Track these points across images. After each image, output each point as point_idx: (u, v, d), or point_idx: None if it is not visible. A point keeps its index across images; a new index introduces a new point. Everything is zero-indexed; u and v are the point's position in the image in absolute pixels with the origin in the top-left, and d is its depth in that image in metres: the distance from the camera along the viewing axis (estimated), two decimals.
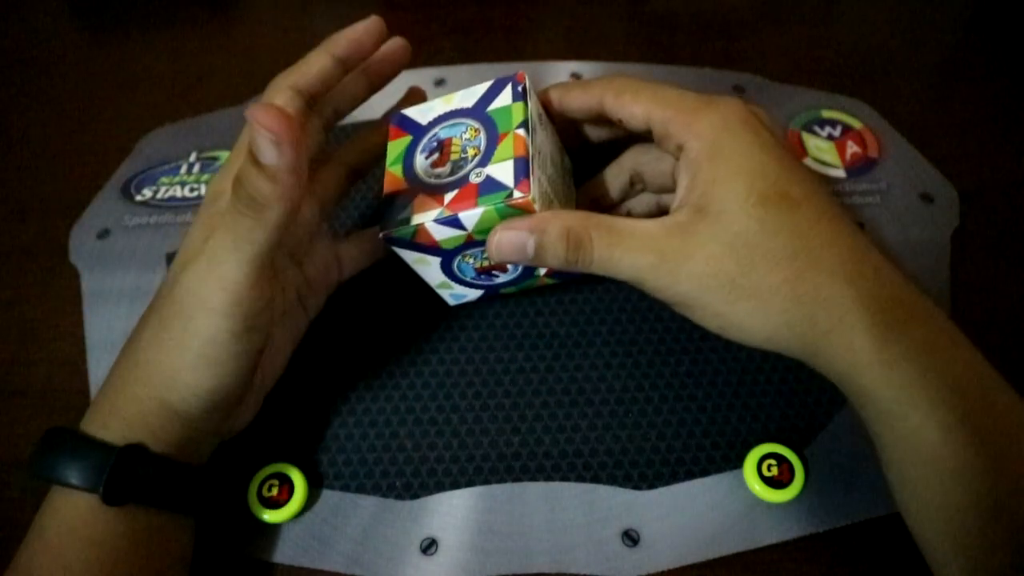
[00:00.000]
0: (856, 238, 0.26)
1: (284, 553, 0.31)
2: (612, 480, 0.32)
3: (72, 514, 0.25)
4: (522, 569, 0.30)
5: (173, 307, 0.26)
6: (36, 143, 0.48)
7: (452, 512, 0.31)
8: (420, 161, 0.29)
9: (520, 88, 0.29)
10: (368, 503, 0.32)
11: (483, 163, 0.28)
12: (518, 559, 0.30)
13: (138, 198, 0.43)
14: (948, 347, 0.25)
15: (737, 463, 0.32)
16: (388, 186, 0.29)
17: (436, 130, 0.30)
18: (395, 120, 0.31)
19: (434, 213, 0.27)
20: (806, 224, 0.25)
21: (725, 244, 0.25)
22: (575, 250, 0.26)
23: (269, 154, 0.22)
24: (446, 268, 0.31)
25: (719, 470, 0.32)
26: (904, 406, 0.24)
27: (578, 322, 0.36)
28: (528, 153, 0.27)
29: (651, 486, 0.32)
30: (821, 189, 0.27)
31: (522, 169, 0.27)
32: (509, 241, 0.26)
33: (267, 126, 0.22)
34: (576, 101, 0.31)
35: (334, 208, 0.34)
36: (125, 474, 0.25)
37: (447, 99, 0.31)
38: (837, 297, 0.25)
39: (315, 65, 0.30)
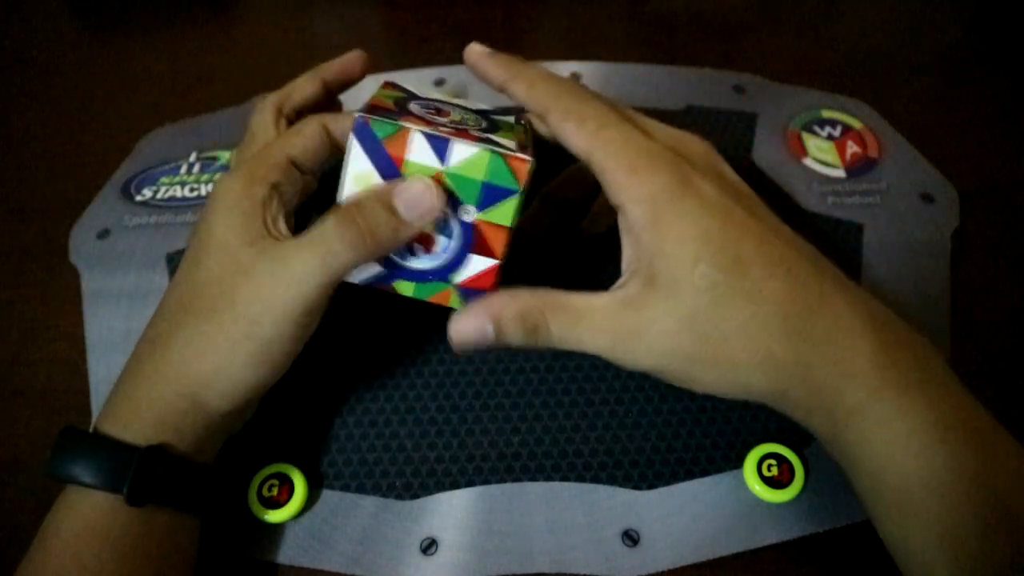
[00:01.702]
0: (810, 285, 0.25)
1: (284, 553, 0.31)
2: (612, 480, 0.32)
3: (90, 513, 0.25)
4: (522, 569, 0.30)
5: (234, 313, 0.26)
6: (36, 143, 0.48)
7: (452, 512, 0.31)
8: (415, 107, 0.29)
9: (524, 122, 0.31)
10: (368, 503, 0.32)
11: (488, 132, 0.28)
12: (518, 559, 0.30)
13: (138, 198, 0.43)
14: (922, 369, 0.25)
15: (737, 463, 0.32)
16: (374, 101, 0.28)
17: (431, 100, 0.30)
18: (385, 83, 0.31)
19: (426, 128, 0.26)
20: (758, 285, 0.25)
21: (677, 319, 0.25)
22: (532, 333, 0.26)
23: (416, 219, 0.26)
24: None
25: (719, 470, 0.32)
26: (879, 437, 0.24)
27: None
28: (530, 153, 0.27)
29: (651, 486, 0.32)
30: (774, 235, 0.26)
31: (526, 149, 0.27)
32: (469, 325, 0.26)
33: (434, 208, 0.26)
34: (520, 97, 0.29)
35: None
36: (147, 475, 0.26)
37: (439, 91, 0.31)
38: (795, 354, 0.25)
39: (307, 90, 0.35)
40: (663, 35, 0.53)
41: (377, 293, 0.35)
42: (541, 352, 0.35)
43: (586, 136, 0.27)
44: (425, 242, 0.28)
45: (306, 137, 0.31)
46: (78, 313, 0.38)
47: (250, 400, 0.28)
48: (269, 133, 0.33)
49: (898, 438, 0.24)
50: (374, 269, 0.29)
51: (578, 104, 0.28)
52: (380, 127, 0.26)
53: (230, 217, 0.28)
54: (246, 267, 0.27)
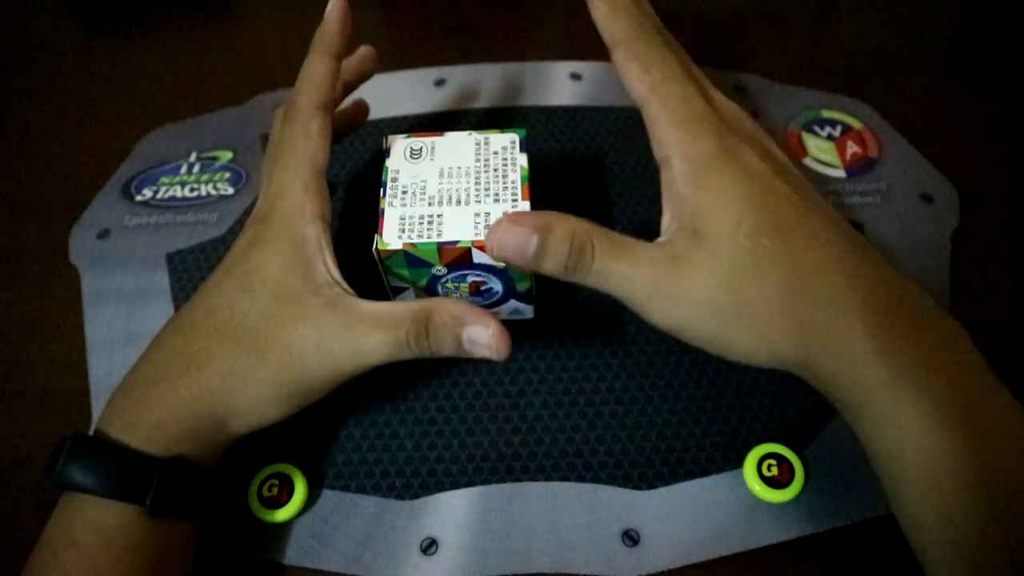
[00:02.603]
0: (846, 261, 0.26)
1: (284, 553, 0.31)
2: (612, 480, 0.32)
3: (109, 524, 0.25)
4: (522, 569, 0.30)
5: (283, 353, 0.27)
6: (36, 143, 0.48)
7: (452, 512, 0.31)
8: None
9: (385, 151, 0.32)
10: (368, 503, 0.32)
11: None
12: (518, 559, 0.30)
13: (138, 198, 0.43)
14: (945, 352, 0.25)
15: (737, 463, 0.32)
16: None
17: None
18: None
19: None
20: (797, 254, 0.25)
21: (720, 276, 0.25)
22: (577, 256, 0.26)
23: (473, 350, 0.26)
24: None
25: (719, 470, 0.32)
26: (901, 412, 0.24)
27: (578, 322, 0.36)
28: (380, 205, 0.30)
29: (651, 486, 0.32)
30: (813, 209, 0.27)
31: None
32: (511, 238, 0.26)
33: (497, 350, 0.26)
34: (597, 17, 0.30)
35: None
36: (168, 487, 0.26)
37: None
38: (827, 324, 0.25)
39: (329, 72, 0.31)
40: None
41: (372, 291, 0.35)
42: (542, 352, 0.35)
43: (647, 84, 0.27)
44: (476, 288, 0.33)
45: (325, 150, 0.31)
46: (78, 313, 0.38)
47: (269, 425, 0.29)
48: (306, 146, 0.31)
49: (920, 416, 0.24)
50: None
51: (648, 49, 0.28)
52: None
53: (290, 260, 0.28)
54: (311, 317, 0.27)
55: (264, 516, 0.31)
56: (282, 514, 0.31)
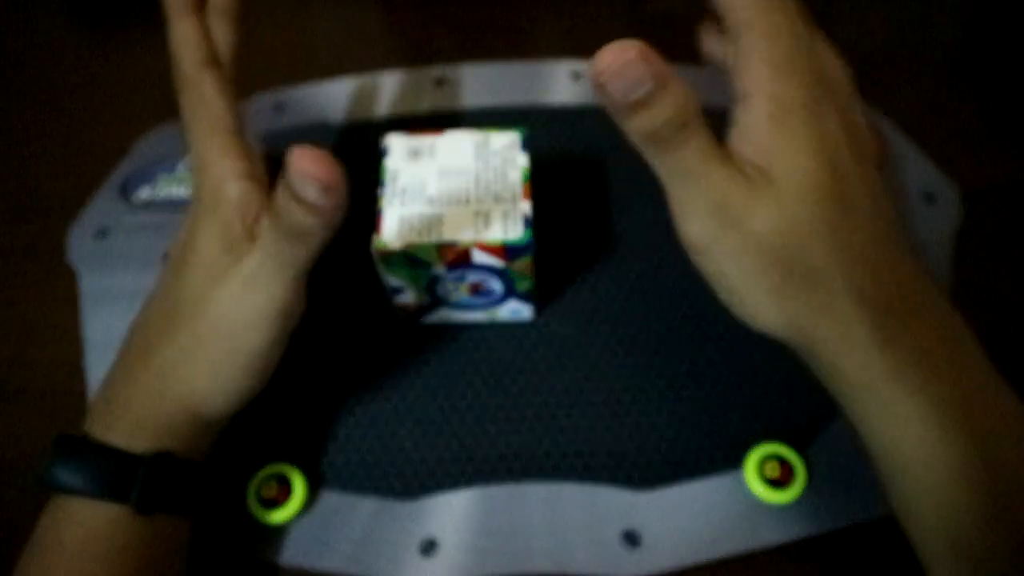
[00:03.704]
0: (882, 252, 0.25)
1: (284, 554, 0.31)
2: (612, 480, 0.32)
3: (96, 523, 0.25)
4: (522, 569, 0.30)
5: (212, 326, 0.26)
6: (35, 143, 0.47)
7: (452, 512, 0.31)
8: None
9: (383, 148, 0.33)
10: (368, 503, 0.32)
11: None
12: (518, 559, 0.30)
13: (136, 198, 0.43)
14: (949, 350, 0.25)
15: (738, 463, 0.32)
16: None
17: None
18: None
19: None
20: (846, 234, 0.24)
21: (780, 223, 0.24)
22: (673, 131, 0.23)
23: (316, 196, 0.22)
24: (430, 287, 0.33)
25: (720, 470, 0.32)
26: (902, 406, 0.24)
27: (578, 322, 0.36)
28: (379, 205, 0.30)
29: (651, 486, 0.32)
30: (869, 195, 0.26)
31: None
32: (627, 72, 0.22)
33: (317, 176, 0.21)
34: None
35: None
36: (153, 484, 0.26)
37: None
38: (846, 311, 0.24)
39: (194, 29, 0.31)
40: (663, 35, 0.52)
41: (373, 291, 0.35)
42: (542, 352, 0.35)
43: (757, 9, 0.25)
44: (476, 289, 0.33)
45: (229, 108, 0.31)
46: (77, 313, 0.38)
47: (243, 405, 0.28)
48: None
49: (922, 407, 0.23)
50: (445, 312, 0.35)
51: None
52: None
53: (216, 230, 0.28)
54: (220, 277, 0.27)
55: (262, 517, 0.31)
56: (281, 514, 0.30)
